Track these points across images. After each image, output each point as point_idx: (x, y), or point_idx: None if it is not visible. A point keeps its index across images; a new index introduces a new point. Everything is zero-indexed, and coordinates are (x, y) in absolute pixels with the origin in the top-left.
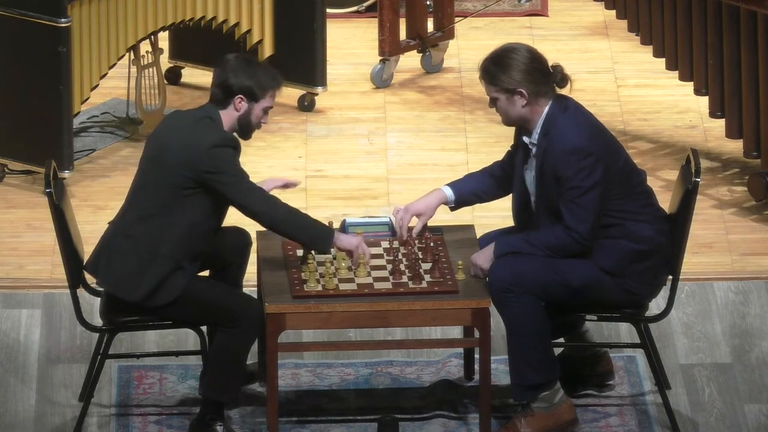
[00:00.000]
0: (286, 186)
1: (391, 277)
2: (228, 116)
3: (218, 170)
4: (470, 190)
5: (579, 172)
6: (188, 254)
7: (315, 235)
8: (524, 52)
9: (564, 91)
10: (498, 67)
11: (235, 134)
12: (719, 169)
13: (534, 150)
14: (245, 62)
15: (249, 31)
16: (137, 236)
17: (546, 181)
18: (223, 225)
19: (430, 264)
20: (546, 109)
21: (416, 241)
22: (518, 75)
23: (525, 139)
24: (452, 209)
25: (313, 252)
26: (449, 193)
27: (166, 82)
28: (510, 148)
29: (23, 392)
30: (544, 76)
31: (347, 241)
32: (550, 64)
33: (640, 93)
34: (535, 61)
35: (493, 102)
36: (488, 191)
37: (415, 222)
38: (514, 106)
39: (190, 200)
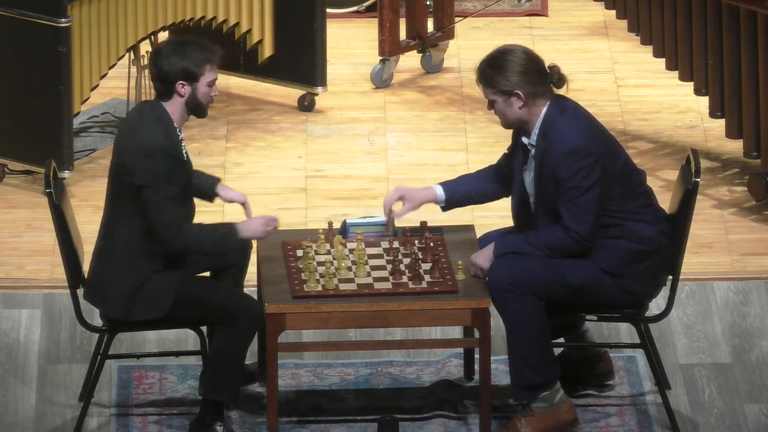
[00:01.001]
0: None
1: (391, 277)
2: (176, 105)
3: (146, 183)
4: (462, 192)
5: (578, 173)
6: (155, 261)
7: (216, 245)
8: (520, 53)
9: (562, 92)
10: (494, 69)
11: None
12: (719, 169)
13: (533, 151)
14: (173, 45)
15: (249, 31)
16: (103, 249)
17: (545, 181)
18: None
19: (430, 264)
20: (544, 110)
21: (416, 241)
22: (515, 76)
23: (524, 140)
24: (443, 209)
25: (313, 251)
26: (440, 192)
27: None
28: (507, 150)
29: (23, 392)
30: (540, 77)
31: (251, 229)
32: (547, 64)
33: (640, 93)
34: (531, 62)
35: (491, 104)
36: (481, 194)
37: (399, 207)
38: (511, 108)
39: (139, 203)
